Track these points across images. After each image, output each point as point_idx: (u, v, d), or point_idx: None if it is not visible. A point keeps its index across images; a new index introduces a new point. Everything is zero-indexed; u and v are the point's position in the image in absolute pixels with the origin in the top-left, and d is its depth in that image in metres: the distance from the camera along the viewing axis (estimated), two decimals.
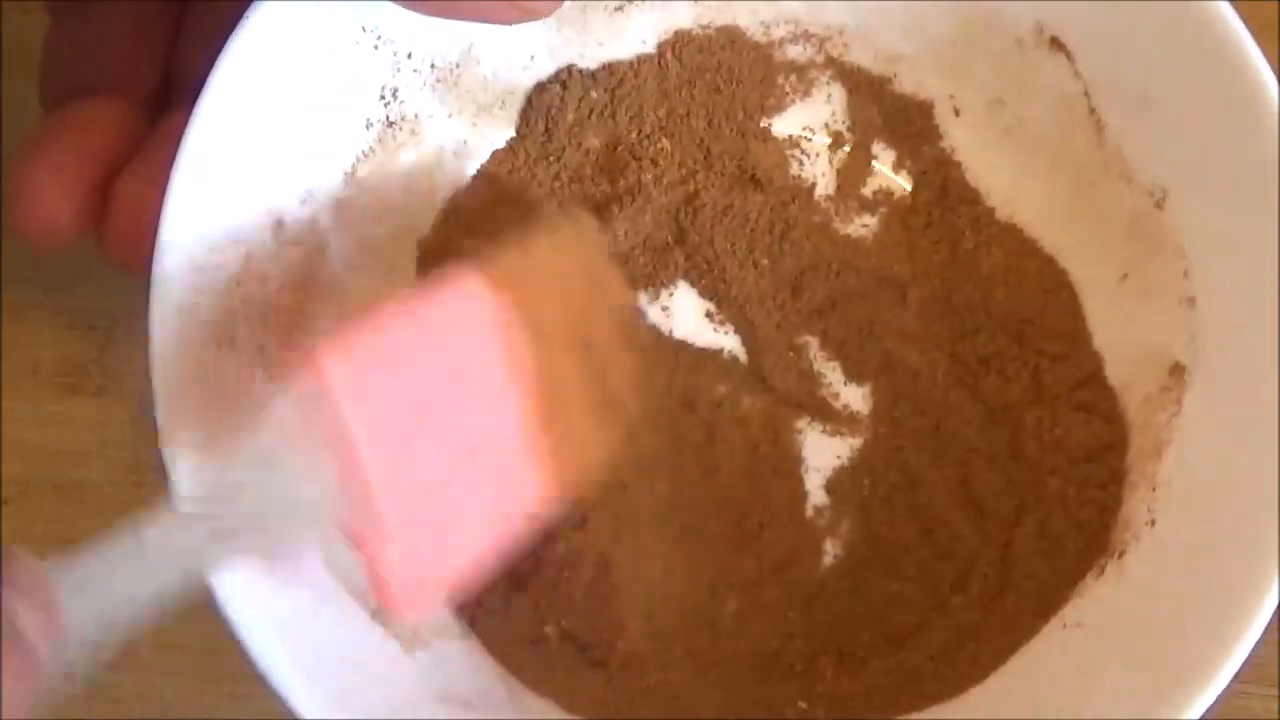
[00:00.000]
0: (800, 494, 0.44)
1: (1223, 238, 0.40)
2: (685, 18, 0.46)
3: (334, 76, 0.39)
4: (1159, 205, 0.42)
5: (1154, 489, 0.40)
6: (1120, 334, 0.44)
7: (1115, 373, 0.43)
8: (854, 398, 0.45)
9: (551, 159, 0.46)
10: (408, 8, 0.36)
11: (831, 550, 0.44)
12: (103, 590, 0.29)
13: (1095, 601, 0.40)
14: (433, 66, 0.42)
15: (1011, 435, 0.44)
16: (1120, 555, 0.40)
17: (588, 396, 0.39)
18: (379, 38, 0.40)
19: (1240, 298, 0.39)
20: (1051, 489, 0.43)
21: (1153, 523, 0.40)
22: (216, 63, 0.36)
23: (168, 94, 0.41)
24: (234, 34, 0.36)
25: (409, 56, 0.41)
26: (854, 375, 0.45)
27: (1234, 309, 0.40)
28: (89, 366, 0.47)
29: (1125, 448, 0.42)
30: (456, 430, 0.36)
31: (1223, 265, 0.40)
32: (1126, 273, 0.43)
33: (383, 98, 0.41)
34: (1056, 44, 0.43)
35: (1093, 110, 0.43)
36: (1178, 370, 0.41)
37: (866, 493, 0.44)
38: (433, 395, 0.35)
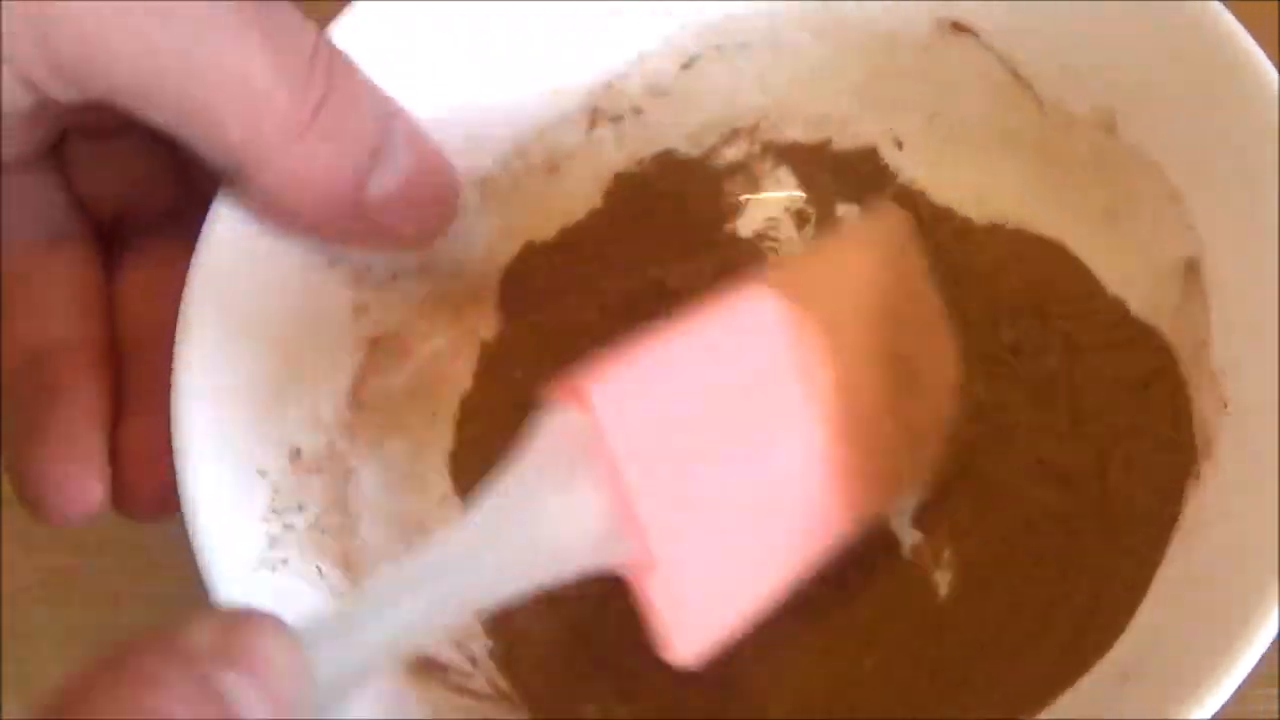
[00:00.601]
0: (892, 541, 0.43)
1: (1178, 124, 0.40)
2: (618, 160, 0.47)
3: (299, 301, 0.40)
4: (1111, 129, 0.42)
5: (1214, 378, 0.39)
6: (1130, 266, 0.43)
7: (1141, 307, 0.43)
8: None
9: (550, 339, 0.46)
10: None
11: (942, 580, 0.43)
12: (355, 649, 0.29)
13: (1202, 505, 0.39)
14: (395, 276, 0.43)
15: (1067, 400, 0.43)
16: (1209, 451, 0.39)
17: (898, 412, 0.38)
18: (331, 256, 0.41)
19: (1217, 168, 0.39)
20: (1123, 426, 0.42)
21: (1226, 404, 0.39)
22: (181, 304, 0.37)
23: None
24: (190, 273, 0.37)
25: (369, 269, 0.42)
26: None
27: (1214, 179, 0.39)
28: None
29: (1175, 363, 0.41)
30: (743, 454, 0.34)
31: (1188, 146, 0.40)
32: (1112, 208, 0.43)
33: (356, 315, 0.42)
34: (958, 28, 0.44)
35: (1016, 75, 0.43)
36: (1191, 266, 0.41)
37: (956, 514, 0.43)
38: (714, 416, 0.34)
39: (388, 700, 0.38)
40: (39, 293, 0.39)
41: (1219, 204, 0.40)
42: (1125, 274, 0.43)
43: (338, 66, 0.36)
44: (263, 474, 0.38)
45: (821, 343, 0.36)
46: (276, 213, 0.37)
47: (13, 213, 0.39)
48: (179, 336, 0.37)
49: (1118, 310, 0.43)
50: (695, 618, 0.33)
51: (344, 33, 0.39)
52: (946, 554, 0.43)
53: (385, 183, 0.37)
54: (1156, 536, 0.39)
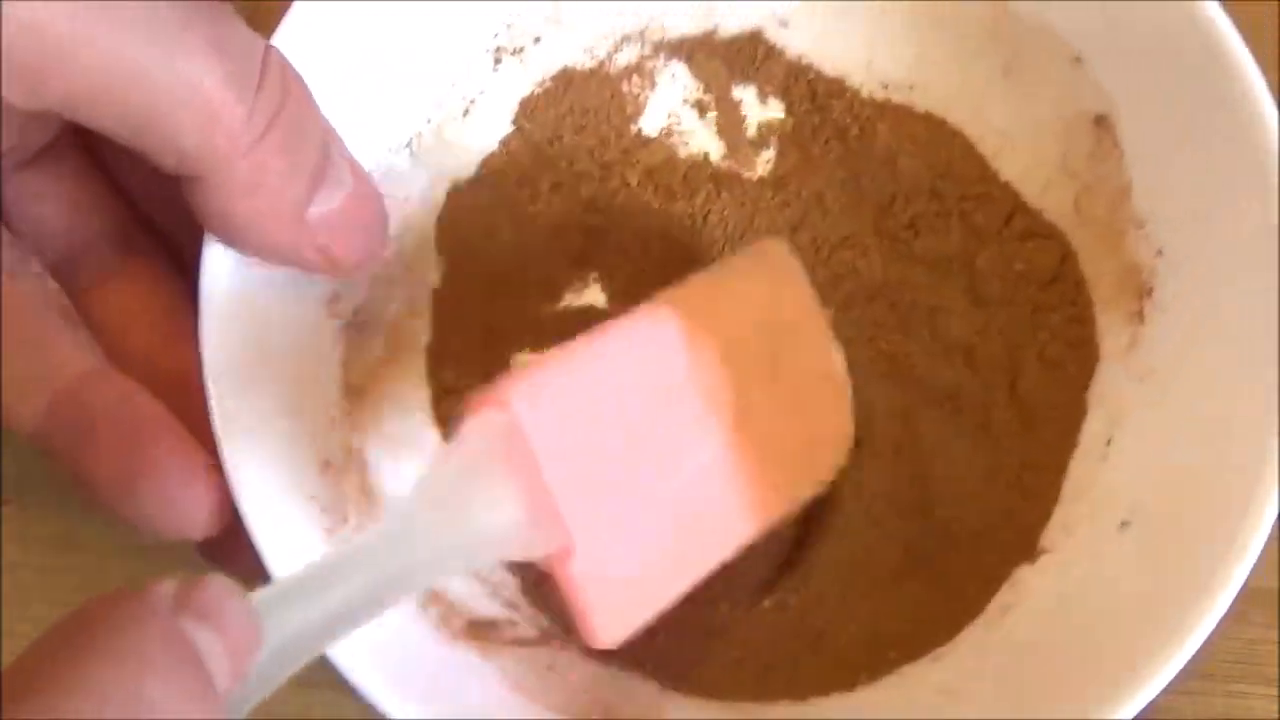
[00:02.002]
0: None
1: None
2: (524, 85, 0.48)
3: (289, 312, 0.41)
4: None
5: (1141, 224, 0.43)
6: (1038, 114, 0.46)
7: (1050, 154, 0.46)
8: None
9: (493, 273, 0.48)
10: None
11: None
12: (299, 622, 0.30)
13: (1151, 347, 0.43)
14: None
15: (968, 283, 0.47)
16: (1150, 296, 0.43)
17: (793, 424, 0.41)
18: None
19: (1120, 33, 0.42)
20: (1029, 319, 0.46)
21: (1159, 251, 0.43)
22: (202, 349, 0.38)
23: None
24: (201, 317, 0.38)
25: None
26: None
27: (1118, 43, 0.42)
28: None
29: (1075, 258, 0.45)
30: (653, 457, 0.37)
31: (1084, 13, 0.43)
32: (1009, 67, 0.46)
33: (330, 306, 0.43)
34: None
35: None
36: (1101, 121, 0.44)
37: (868, 394, 0.47)
38: (624, 422, 0.37)
39: (454, 665, 0.40)
40: (37, 326, 0.39)
41: (1125, 65, 0.43)
42: (1032, 122, 0.46)
43: (290, 81, 0.37)
44: (312, 498, 0.40)
45: (718, 359, 0.39)
46: (227, 227, 0.38)
47: None
48: (210, 384, 0.38)
49: (1012, 198, 0.47)
50: (613, 604, 0.36)
51: (293, 32, 0.40)
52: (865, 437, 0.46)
53: (327, 203, 0.38)
54: (1069, 429, 0.44)
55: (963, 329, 0.46)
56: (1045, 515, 0.44)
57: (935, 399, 0.46)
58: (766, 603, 0.45)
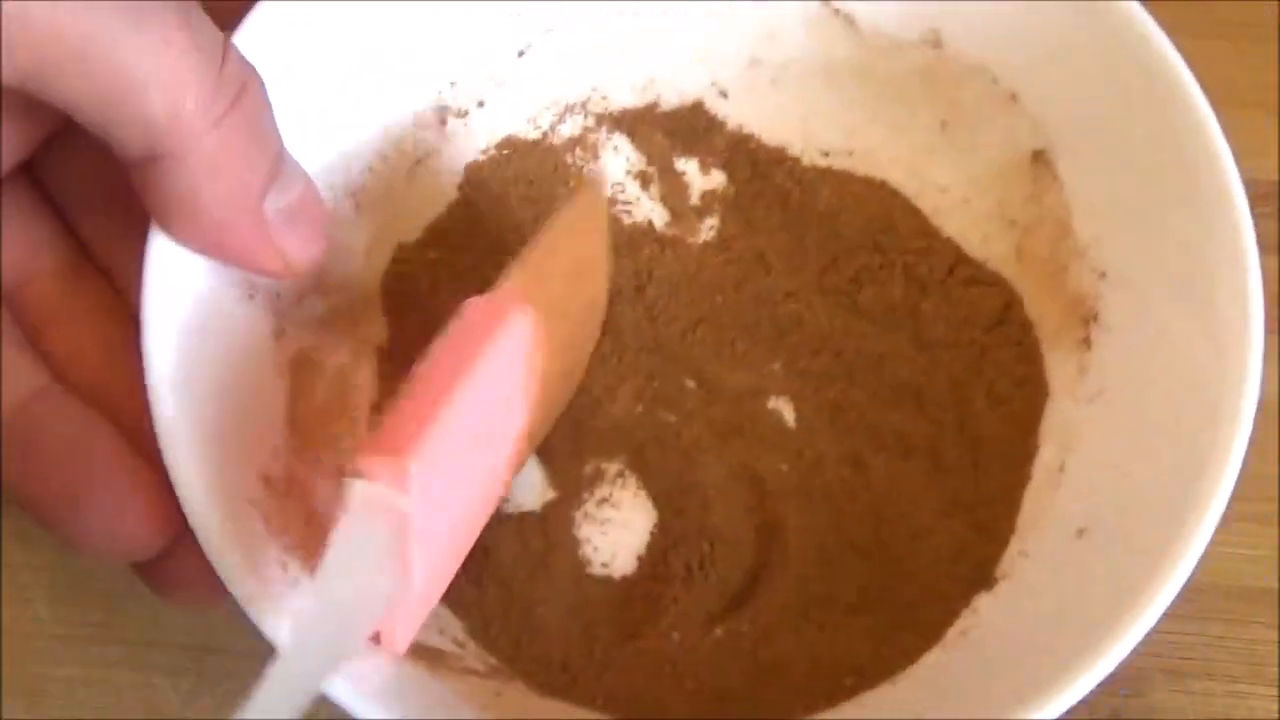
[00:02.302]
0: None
1: (1007, 28, 0.44)
2: (467, 151, 0.49)
3: (235, 337, 0.41)
4: (937, 45, 0.46)
5: (1084, 253, 0.44)
6: (975, 167, 0.47)
7: (987, 204, 0.47)
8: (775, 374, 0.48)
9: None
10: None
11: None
12: None
13: (1100, 371, 0.44)
14: (300, 298, 0.44)
15: (913, 330, 0.47)
16: (1097, 320, 0.44)
17: (559, 365, 0.41)
18: (250, 287, 0.42)
19: (1052, 66, 0.44)
20: (975, 361, 0.46)
21: (1104, 273, 0.44)
22: (145, 364, 0.37)
23: None
24: (144, 332, 0.38)
25: (279, 295, 0.43)
26: (766, 356, 0.48)
27: (1051, 76, 0.44)
28: None
29: (1020, 301, 0.46)
30: (478, 468, 0.37)
31: (1019, 47, 0.44)
32: (945, 119, 0.48)
33: (276, 340, 0.43)
34: None
35: (836, 12, 0.47)
36: (1039, 157, 0.45)
37: (817, 446, 0.46)
38: (471, 446, 0.36)
39: (408, 684, 0.39)
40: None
41: (1058, 98, 0.44)
42: (971, 175, 0.47)
43: (249, 73, 0.37)
44: (253, 503, 0.39)
45: (544, 336, 0.39)
46: (186, 211, 0.37)
47: None
48: (153, 396, 0.37)
49: (954, 251, 0.48)
50: (418, 618, 0.36)
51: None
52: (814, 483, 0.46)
53: (283, 198, 0.38)
54: (1020, 463, 0.44)
55: (910, 372, 0.46)
56: (1001, 546, 0.43)
57: (885, 443, 0.46)
58: (719, 631, 0.43)
